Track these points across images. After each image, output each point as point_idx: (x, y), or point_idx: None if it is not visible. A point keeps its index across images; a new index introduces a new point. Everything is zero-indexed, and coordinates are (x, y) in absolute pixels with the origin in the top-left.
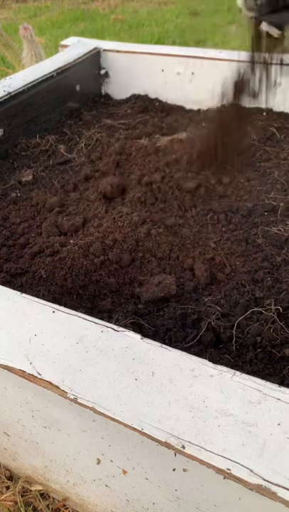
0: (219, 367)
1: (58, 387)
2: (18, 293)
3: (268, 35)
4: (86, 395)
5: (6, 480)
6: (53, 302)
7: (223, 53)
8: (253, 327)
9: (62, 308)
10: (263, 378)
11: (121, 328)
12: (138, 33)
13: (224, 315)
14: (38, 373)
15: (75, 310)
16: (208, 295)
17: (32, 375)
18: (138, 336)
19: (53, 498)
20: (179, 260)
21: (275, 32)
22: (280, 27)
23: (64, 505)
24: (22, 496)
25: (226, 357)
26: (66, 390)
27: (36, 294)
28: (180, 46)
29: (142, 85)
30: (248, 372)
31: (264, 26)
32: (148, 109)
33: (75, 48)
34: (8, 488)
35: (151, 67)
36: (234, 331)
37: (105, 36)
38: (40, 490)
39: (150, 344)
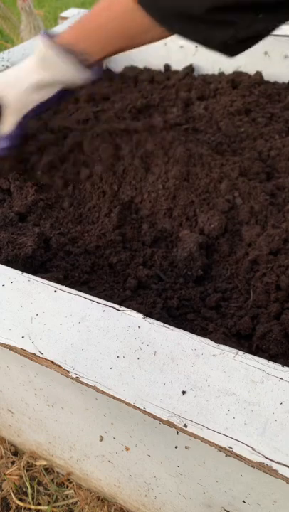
0: (222, 346)
1: (60, 366)
2: (20, 272)
3: None
4: (88, 373)
5: (11, 455)
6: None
7: None
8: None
9: (64, 287)
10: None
11: (123, 308)
12: None
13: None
14: (40, 352)
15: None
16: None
17: (34, 354)
18: (140, 316)
19: (58, 473)
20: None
21: None
22: None
23: (68, 480)
24: (27, 471)
25: None
26: (68, 369)
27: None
28: None
29: (142, 57)
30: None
31: None
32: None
33: (75, 20)
34: (13, 463)
35: None
36: None
37: None
38: (45, 465)
39: (152, 323)
